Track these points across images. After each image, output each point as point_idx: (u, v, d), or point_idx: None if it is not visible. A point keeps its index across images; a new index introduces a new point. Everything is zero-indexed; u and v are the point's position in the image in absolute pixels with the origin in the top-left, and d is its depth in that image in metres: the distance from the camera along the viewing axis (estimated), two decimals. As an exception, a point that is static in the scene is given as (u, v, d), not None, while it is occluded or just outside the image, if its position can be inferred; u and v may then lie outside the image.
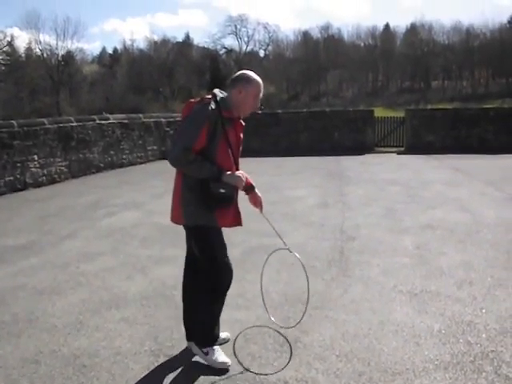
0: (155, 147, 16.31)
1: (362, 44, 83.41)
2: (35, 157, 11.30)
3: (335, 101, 66.46)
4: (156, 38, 78.46)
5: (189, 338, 3.42)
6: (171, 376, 3.14)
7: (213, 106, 3.04)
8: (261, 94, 3.23)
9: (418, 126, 18.70)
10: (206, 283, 3.23)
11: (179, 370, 3.22)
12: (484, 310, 4.01)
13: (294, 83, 76.14)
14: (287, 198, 8.86)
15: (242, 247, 5.82)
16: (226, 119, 3.10)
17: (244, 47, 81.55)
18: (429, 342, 3.50)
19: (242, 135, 3.30)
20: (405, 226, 6.78)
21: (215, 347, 3.29)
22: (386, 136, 19.76)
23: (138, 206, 8.60)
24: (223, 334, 3.56)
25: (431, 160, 14.79)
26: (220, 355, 3.25)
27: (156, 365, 3.29)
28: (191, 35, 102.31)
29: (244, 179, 3.17)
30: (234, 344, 3.53)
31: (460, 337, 3.57)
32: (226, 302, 4.20)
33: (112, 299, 4.43)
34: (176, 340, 3.61)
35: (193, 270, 3.38)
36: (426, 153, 16.43)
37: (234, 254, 5.58)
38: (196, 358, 3.33)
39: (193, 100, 3.19)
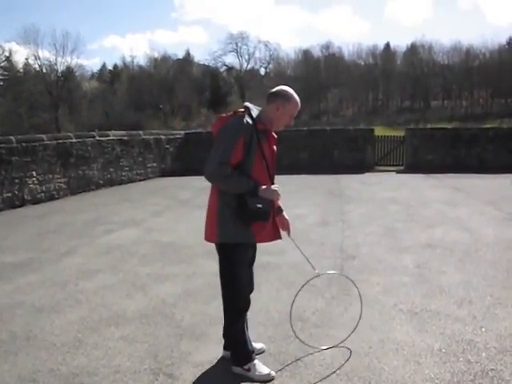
0: (155, 164, 16.37)
1: (363, 63, 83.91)
2: (34, 173, 11.32)
3: (335, 119, 66.79)
4: (156, 54, 78.95)
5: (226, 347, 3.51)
6: (170, 394, 3.13)
7: (248, 119, 3.03)
8: (296, 113, 3.23)
9: (417, 145, 18.78)
10: (227, 305, 3.30)
11: (178, 388, 3.20)
12: (484, 329, 4.00)
13: (295, 102, 76.28)
14: (287, 216, 8.84)
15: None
16: (261, 132, 3.07)
17: (245, 65, 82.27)
18: (429, 360, 3.49)
19: (275, 147, 3.28)
20: (405, 245, 6.78)
21: (255, 361, 3.31)
22: (385, 155, 19.83)
23: (137, 224, 8.60)
24: (258, 345, 3.59)
25: (431, 179, 14.82)
26: (262, 368, 3.28)
27: (156, 383, 3.27)
28: (192, 52, 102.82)
29: (280, 193, 3.18)
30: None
31: (460, 355, 3.55)
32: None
33: (111, 317, 4.42)
34: (176, 358, 3.60)
35: None
36: (426, 172, 16.48)
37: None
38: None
39: (224, 115, 3.18)
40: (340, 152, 18.61)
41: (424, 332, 3.97)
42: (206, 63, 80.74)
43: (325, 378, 3.26)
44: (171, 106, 69.65)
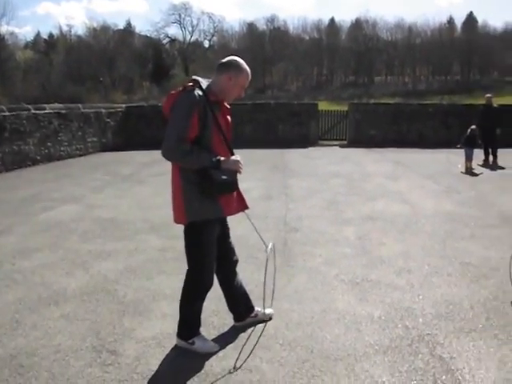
0: (95, 139, 15.91)
1: (308, 37, 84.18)
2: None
3: (280, 94, 66.78)
4: (95, 24, 75.88)
5: (237, 319, 3.61)
6: (114, 371, 3.08)
7: (199, 91, 2.95)
8: (247, 84, 3.18)
9: (360, 120, 19.10)
10: (189, 279, 3.26)
11: (123, 364, 3.16)
12: (421, 297, 4.16)
13: (239, 75, 75.65)
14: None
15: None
16: (214, 104, 3.00)
17: (188, 37, 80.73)
18: (369, 328, 3.60)
19: (229, 118, 3.22)
20: (346, 218, 6.92)
21: (199, 335, 3.34)
22: (329, 129, 20.07)
23: (77, 200, 8.36)
24: (268, 310, 3.68)
25: (373, 153, 15.15)
26: (206, 341, 3.34)
27: (98, 361, 3.21)
28: (133, 23, 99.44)
29: (242, 162, 3.12)
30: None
31: (398, 322, 3.69)
32: (169, 294, 4.18)
33: (51, 296, 4.29)
34: (119, 335, 3.54)
35: (228, 262, 3.44)
36: (368, 146, 16.82)
37: (177, 246, 5.55)
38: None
39: (174, 91, 3.06)
40: (284, 126, 18.70)
41: (364, 301, 4.08)
42: (148, 34, 78.55)
43: (268, 349, 3.30)
44: (112, 78, 67.43)
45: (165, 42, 79.81)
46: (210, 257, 3.21)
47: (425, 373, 3.01)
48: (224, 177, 2.98)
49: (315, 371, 3.03)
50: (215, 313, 3.82)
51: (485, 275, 4.63)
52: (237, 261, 3.50)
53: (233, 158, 3.10)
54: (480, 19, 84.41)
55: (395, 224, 6.57)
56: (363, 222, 6.66)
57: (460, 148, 11.98)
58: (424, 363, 3.12)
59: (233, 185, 3.08)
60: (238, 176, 3.16)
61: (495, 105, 13.53)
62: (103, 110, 16.56)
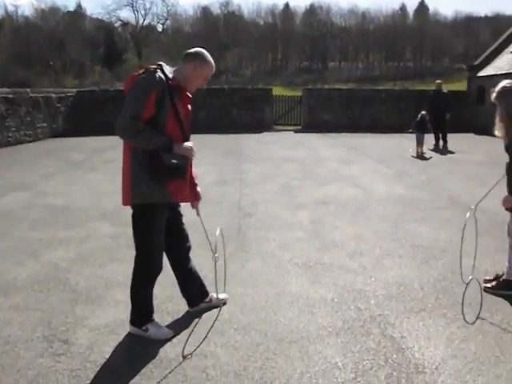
0: (45, 124, 15.46)
1: (262, 22, 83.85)
2: None
3: (234, 79, 66.49)
4: (43, 5, 73.16)
5: (191, 304, 3.59)
6: (66, 361, 3.03)
7: (160, 74, 2.96)
8: (210, 76, 3.25)
9: (314, 105, 19.26)
10: (138, 265, 3.23)
11: (75, 353, 3.11)
12: (373, 279, 4.26)
13: (193, 60, 74.63)
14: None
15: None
16: (174, 88, 3.00)
17: (141, 20, 78.78)
18: (322, 310, 3.66)
19: (190, 107, 3.21)
20: (300, 202, 7.00)
21: (153, 322, 3.31)
22: (283, 114, 20.17)
23: (27, 188, 8.12)
24: (222, 295, 3.68)
25: (326, 138, 15.32)
26: (160, 327, 3.31)
27: (50, 351, 3.14)
28: (83, 4, 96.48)
29: (195, 150, 3.11)
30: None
31: (351, 304, 3.77)
32: (122, 281, 4.13)
33: (0, 286, 4.17)
34: (71, 324, 3.48)
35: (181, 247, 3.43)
36: (322, 131, 16.99)
37: (129, 233, 5.48)
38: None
39: (136, 73, 3.05)
40: (239, 111, 18.67)
41: (318, 284, 4.15)
42: (100, 17, 76.29)
43: (222, 333, 3.31)
44: (62, 62, 65.28)
45: (117, 25, 77.66)
46: (157, 242, 3.19)
47: (376, 352, 3.09)
48: (174, 161, 2.97)
49: (269, 354, 3.06)
50: (169, 299, 3.80)
51: (434, 256, 4.78)
52: (190, 247, 3.49)
53: (186, 144, 3.09)
54: (431, 7, 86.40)
55: (348, 208, 6.68)
56: (317, 207, 6.74)
57: (411, 133, 12.27)
58: (375, 343, 3.20)
59: (183, 170, 3.06)
60: (194, 161, 3.14)
61: (445, 90, 13.89)
62: (53, 95, 16.11)
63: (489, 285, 4.00)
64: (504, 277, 3.96)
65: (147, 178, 2.96)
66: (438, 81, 14.16)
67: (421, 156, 11.81)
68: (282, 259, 4.72)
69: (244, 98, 18.77)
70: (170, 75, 3.03)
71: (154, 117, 2.92)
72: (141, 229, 3.15)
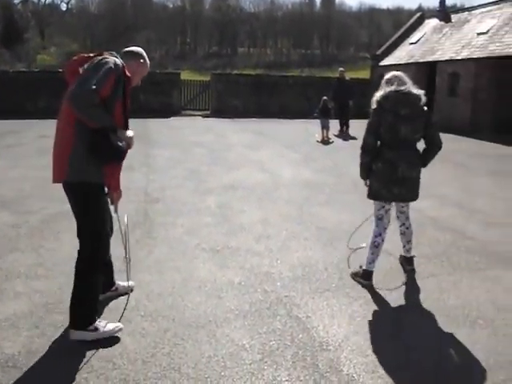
0: None
1: (171, 5, 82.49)
2: None
3: (142, 62, 64.68)
4: None
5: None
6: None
7: (119, 61, 3.01)
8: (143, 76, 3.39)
9: (222, 91, 19.23)
10: (85, 252, 3.03)
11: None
12: (279, 261, 4.34)
13: (99, 41, 72.27)
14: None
15: (40, 214, 5.45)
16: (127, 78, 3.04)
17: (43, -1, 74.54)
18: (230, 294, 3.68)
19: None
20: (208, 187, 6.98)
21: (99, 320, 3.09)
22: (192, 99, 19.97)
23: None
24: (128, 283, 3.60)
25: (235, 123, 15.37)
26: (107, 323, 3.09)
27: None
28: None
29: (134, 141, 3.12)
30: (33, 317, 3.29)
31: (258, 287, 3.82)
32: (23, 272, 3.92)
33: None
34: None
35: None
36: (231, 116, 17.04)
37: (31, 221, 5.21)
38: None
39: (85, 54, 3.05)
40: (146, 96, 18.22)
41: (225, 268, 4.16)
42: (-3, -7, 71.23)
43: (129, 321, 3.23)
44: (-48, 40, 60.41)
45: (16, 1, 72.88)
46: (103, 223, 3.09)
47: (283, 333, 3.16)
48: (120, 143, 2.95)
49: (177, 340, 3.04)
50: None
51: (338, 238, 4.95)
52: (112, 233, 3.36)
53: (128, 132, 3.08)
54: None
55: (255, 192, 6.76)
56: (225, 191, 6.76)
57: (316, 118, 12.63)
58: (282, 324, 3.27)
59: (124, 154, 3.00)
60: None
61: (348, 78, 14.37)
62: None
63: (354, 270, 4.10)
64: (364, 267, 3.98)
65: (87, 155, 2.88)
66: (341, 69, 14.59)
67: (326, 141, 12.17)
68: (190, 244, 4.69)
69: (152, 83, 18.29)
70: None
71: (106, 98, 2.87)
72: (85, 211, 3.02)
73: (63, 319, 3.21)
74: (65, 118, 2.93)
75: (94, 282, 3.07)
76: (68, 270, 3.18)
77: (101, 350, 2.91)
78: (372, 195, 3.91)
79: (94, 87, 2.75)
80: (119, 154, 2.97)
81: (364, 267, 3.94)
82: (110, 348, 2.93)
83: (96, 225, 3.04)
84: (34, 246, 4.48)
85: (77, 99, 2.76)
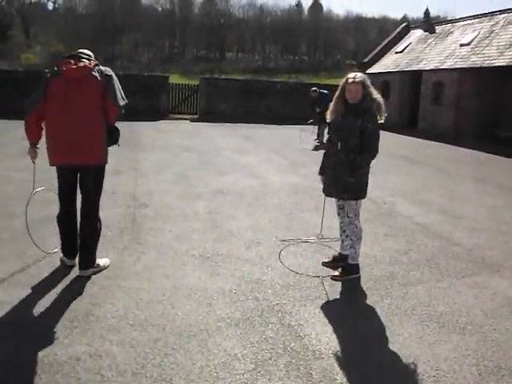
0: None
1: (160, 8, 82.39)
2: None
3: (130, 64, 64.17)
4: None
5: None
6: None
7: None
8: None
9: (211, 95, 19.19)
10: (97, 214, 4.04)
11: None
12: (270, 268, 4.28)
13: (86, 42, 71.22)
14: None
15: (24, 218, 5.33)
16: None
17: (29, -3, 73.73)
18: (221, 302, 3.62)
19: None
20: (197, 192, 6.91)
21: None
22: (180, 103, 19.89)
23: None
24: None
25: (223, 128, 15.32)
26: (101, 259, 4.08)
27: None
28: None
29: None
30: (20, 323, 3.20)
31: (249, 294, 3.76)
32: (4, 279, 3.82)
33: None
34: None
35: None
36: (219, 121, 16.98)
37: (15, 226, 5.09)
38: None
39: (88, 64, 3.77)
40: (134, 99, 18.00)
41: (215, 275, 4.09)
42: (-20, -11, 70.29)
43: (118, 331, 3.15)
44: None
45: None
46: None
47: (275, 341, 3.11)
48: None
49: (168, 350, 2.97)
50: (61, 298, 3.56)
51: (329, 245, 4.91)
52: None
53: None
54: (324, 6, 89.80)
55: (245, 197, 6.70)
56: (213, 196, 6.70)
57: (311, 124, 12.75)
58: (274, 332, 3.22)
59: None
60: None
61: (325, 91, 13.65)
62: None
63: (336, 273, 4.15)
64: (349, 261, 4.14)
65: (107, 142, 3.92)
66: (314, 88, 13.94)
67: (314, 147, 12.18)
68: (179, 251, 4.61)
69: (140, 85, 18.19)
70: None
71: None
72: (101, 185, 4.04)
73: (48, 328, 3.13)
74: (96, 112, 3.76)
75: (97, 237, 4.06)
76: (53, 277, 3.09)
77: (89, 360, 2.83)
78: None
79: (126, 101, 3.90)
80: (117, 141, 4.04)
81: (354, 262, 4.14)
82: (98, 359, 2.84)
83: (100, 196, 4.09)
84: (16, 253, 4.35)
85: (122, 108, 3.87)
